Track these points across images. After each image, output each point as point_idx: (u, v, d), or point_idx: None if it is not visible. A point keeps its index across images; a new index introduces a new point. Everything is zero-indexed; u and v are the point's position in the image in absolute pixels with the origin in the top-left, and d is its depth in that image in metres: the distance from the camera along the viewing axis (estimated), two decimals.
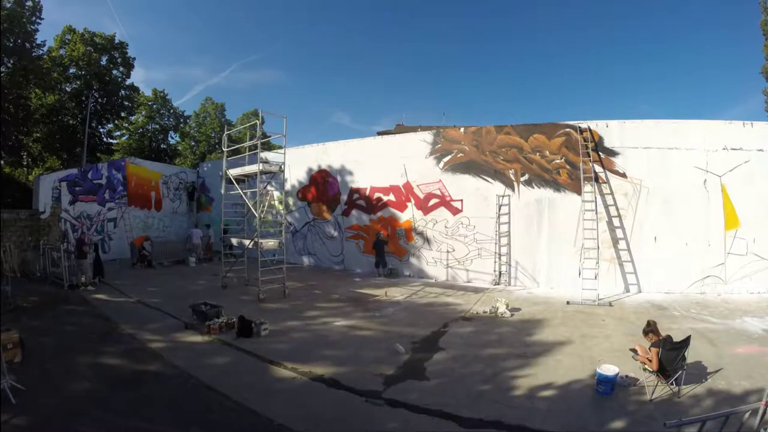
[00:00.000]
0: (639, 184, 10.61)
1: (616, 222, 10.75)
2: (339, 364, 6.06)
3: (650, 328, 5.31)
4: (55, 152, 23.16)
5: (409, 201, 13.48)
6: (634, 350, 5.58)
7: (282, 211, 16.07)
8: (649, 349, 5.18)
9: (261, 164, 10.59)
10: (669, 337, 5.21)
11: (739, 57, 48.51)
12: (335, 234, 15.22)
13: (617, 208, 10.74)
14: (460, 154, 12.60)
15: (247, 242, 11.17)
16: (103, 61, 23.85)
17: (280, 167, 11.31)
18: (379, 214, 14.14)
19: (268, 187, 14.73)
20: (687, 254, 10.26)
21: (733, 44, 47.45)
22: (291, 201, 16.43)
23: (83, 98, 22.90)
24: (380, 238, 13.33)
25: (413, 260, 13.42)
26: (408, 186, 13.49)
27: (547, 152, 11.43)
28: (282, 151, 11.42)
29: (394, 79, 75.29)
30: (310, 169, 15.87)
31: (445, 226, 12.81)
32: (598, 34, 63.37)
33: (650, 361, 5.09)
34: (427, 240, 13.12)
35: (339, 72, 72.09)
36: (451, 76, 75.48)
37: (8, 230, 13.04)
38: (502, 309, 8.62)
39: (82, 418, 4.54)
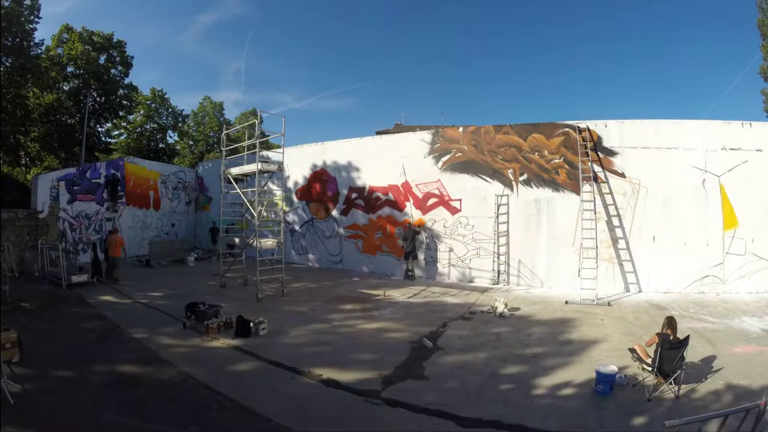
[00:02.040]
0: (638, 184, 10.62)
1: (614, 222, 10.76)
2: (337, 364, 6.05)
3: (670, 325, 5.27)
4: (54, 151, 23.08)
5: (408, 200, 13.47)
6: (633, 350, 5.59)
7: (284, 209, 16.07)
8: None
9: (260, 163, 10.58)
10: (668, 337, 5.22)
11: (738, 57, 48.66)
12: (335, 233, 15.20)
13: (616, 208, 10.75)
14: (459, 154, 12.60)
15: (248, 241, 11.18)
16: (102, 60, 23.79)
17: (279, 165, 11.29)
18: (377, 213, 14.12)
19: (270, 185, 14.66)
20: (686, 254, 10.27)
21: (733, 43, 47.55)
22: (293, 199, 16.40)
23: (81, 97, 22.81)
24: (412, 228, 12.89)
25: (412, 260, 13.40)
26: (407, 185, 13.48)
27: (546, 152, 11.43)
28: (281, 150, 11.40)
29: (394, 79, 75.67)
30: (310, 169, 15.84)
31: (444, 226, 12.81)
32: (599, 34, 63.46)
33: (646, 354, 5.15)
34: (425, 239, 13.11)
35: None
36: (452, 75, 75.64)
37: (6, 230, 13.00)
38: (500, 308, 8.62)
39: (81, 418, 4.52)
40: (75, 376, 5.58)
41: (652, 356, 5.16)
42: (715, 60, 51.66)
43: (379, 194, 14.08)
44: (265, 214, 16.93)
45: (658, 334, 5.26)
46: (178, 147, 32.79)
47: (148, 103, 29.65)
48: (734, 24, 46.23)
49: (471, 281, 12.26)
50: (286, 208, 16.26)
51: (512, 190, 11.85)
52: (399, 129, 25.71)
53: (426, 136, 13.25)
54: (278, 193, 14.97)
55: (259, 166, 10.62)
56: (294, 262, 15.98)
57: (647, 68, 63.69)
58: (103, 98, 24.10)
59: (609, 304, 9.36)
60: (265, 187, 16.97)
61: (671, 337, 5.16)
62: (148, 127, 29.72)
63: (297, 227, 16.30)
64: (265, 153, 10.78)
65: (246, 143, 11.70)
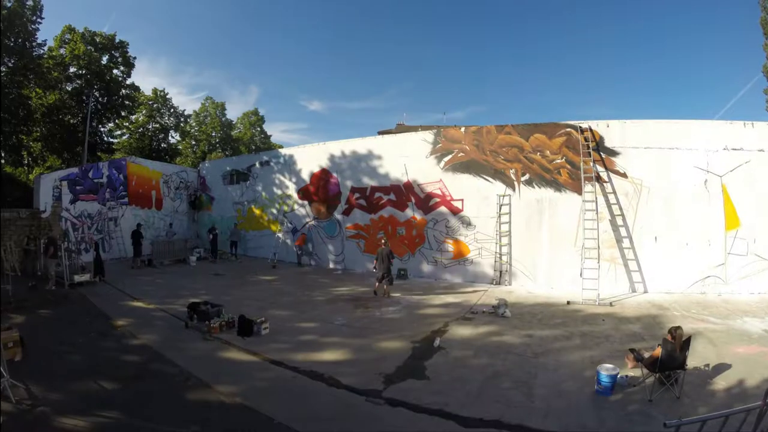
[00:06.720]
0: (640, 184, 10.60)
1: (616, 222, 10.73)
2: (339, 364, 6.07)
3: (675, 332, 5.12)
4: (56, 151, 23.17)
5: (410, 200, 13.48)
6: (634, 350, 5.58)
7: (292, 208, 16.12)
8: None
9: None
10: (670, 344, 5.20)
11: (739, 56, 48.47)
12: (337, 233, 15.21)
13: (619, 208, 10.73)
14: (461, 154, 12.60)
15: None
16: (104, 60, 23.88)
17: None
18: (379, 213, 14.13)
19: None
20: (687, 254, 10.25)
21: (734, 43, 47.37)
22: (291, 200, 16.43)
23: (84, 97, 22.91)
24: (385, 251, 10.77)
25: (413, 260, 13.41)
26: (408, 185, 13.49)
27: (548, 152, 11.42)
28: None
29: (395, 79, 75.73)
30: (312, 169, 15.85)
31: (446, 226, 12.81)
32: (600, 36, 63.33)
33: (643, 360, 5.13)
34: (428, 239, 13.11)
35: None
36: (454, 75, 75.62)
37: (9, 229, 13.05)
38: (502, 308, 8.62)
39: (82, 417, 4.54)
40: (76, 375, 5.60)
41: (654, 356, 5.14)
42: (717, 59, 51.49)
43: (381, 194, 14.08)
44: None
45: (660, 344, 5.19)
46: (180, 147, 32.89)
47: (150, 103, 29.74)
48: (736, 24, 46.05)
49: (473, 281, 12.25)
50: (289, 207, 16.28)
51: (514, 190, 11.85)
52: (401, 129, 25.70)
53: (428, 136, 13.25)
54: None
55: None
56: (295, 262, 15.99)
57: (648, 68, 63.55)
58: (106, 98, 24.21)
59: (611, 304, 9.35)
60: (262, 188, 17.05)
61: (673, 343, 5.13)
62: (150, 127, 29.82)
63: (299, 227, 16.30)
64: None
65: None
